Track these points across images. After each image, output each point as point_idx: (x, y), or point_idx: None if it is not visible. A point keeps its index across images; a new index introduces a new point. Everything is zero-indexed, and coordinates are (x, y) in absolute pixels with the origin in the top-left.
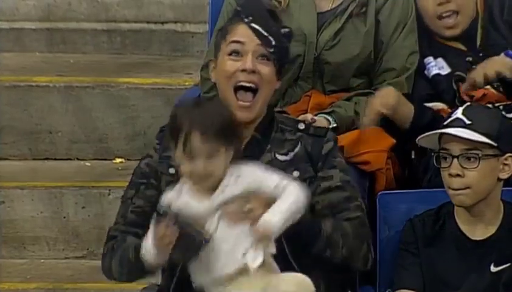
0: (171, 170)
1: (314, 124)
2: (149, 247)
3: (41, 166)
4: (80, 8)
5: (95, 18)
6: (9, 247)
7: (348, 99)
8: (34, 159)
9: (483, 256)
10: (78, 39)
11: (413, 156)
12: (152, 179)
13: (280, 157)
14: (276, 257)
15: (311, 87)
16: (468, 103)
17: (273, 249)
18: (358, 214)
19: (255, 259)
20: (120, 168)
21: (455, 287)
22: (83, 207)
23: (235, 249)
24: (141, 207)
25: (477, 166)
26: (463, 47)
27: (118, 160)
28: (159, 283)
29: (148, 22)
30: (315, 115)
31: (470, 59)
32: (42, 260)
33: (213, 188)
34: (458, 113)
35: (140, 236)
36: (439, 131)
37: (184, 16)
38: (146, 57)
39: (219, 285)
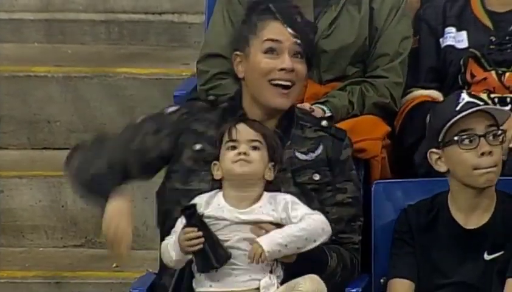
0: (197, 146)
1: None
2: (171, 245)
3: (40, 156)
4: None
5: (93, 9)
6: (8, 236)
7: (342, 88)
8: (33, 149)
9: (476, 244)
10: (76, 30)
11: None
12: (176, 133)
13: (300, 156)
14: None
15: (308, 77)
16: (464, 91)
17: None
18: (356, 240)
19: (268, 288)
20: None
21: (449, 275)
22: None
23: (251, 271)
24: (148, 151)
25: (500, 142)
26: (491, 26)
27: None
28: (156, 272)
29: (145, 13)
30: (311, 105)
31: (494, 39)
32: (40, 249)
33: (247, 203)
34: (466, 98)
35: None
36: (477, 108)
37: (181, 7)
38: (143, 47)
39: None
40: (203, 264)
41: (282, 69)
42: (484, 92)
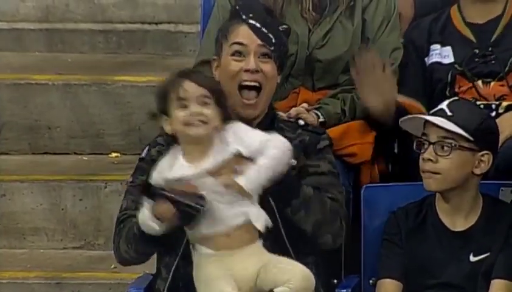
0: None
1: (305, 116)
2: (148, 219)
3: (40, 161)
4: (78, 10)
5: (91, 19)
6: (10, 238)
7: (334, 95)
8: (33, 154)
9: (462, 246)
10: (75, 39)
11: (396, 150)
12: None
13: None
14: (272, 241)
15: (301, 84)
16: (456, 98)
17: (270, 224)
18: (339, 197)
19: (258, 218)
20: (115, 162)
21: (436, 276)
22: (81, 200)
23: (234, 207)
24: None
25: (449, 154)
26: (473, 39)
27: (114, 154)
28: (153, 273)
29: (142, 23)
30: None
31: (477, 51)
32: (41, 250)
33: (205, 153)
34: (444, 104)
35: None
36: (420, 116)
37: (177, 16)
38: (141, 56)
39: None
40: (187, 222)
41: (247, 70)
42: (471, 100)
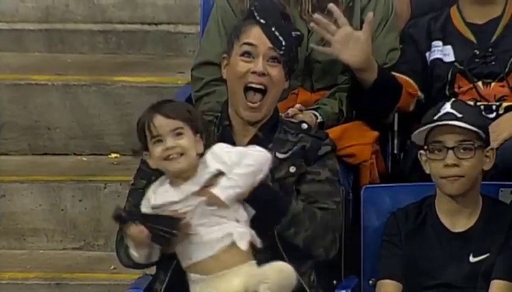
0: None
1: (301, 117)
2: (130, 249)
3: (40, 161)
4: (77, 10)
5: (91, 19)
6: (9, 239)
7: (331, 95)
8: (33, 154)
9: (462, 247)
10: (75, 40)
11: (395, 151)
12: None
13: (279, 155)
14: (268, 250)
15: (300, 85)
16: (453, 99)
17: (258, 244)
18: (333, 206)
19: (241, 237)
20: (115, 162)
21: (436, 277)
22: (80, 200)
23: (220, 229)
24: None
25: (473, 156)
26: (474, 39)
27: (113, 155)
28: (153, 274)
29: (142, 23)
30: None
31: (477, 52)
32: (41, 251)
33: (188, 178)
34: (447, 107)
35: None
36: (438, 123)
37: (177, 17)
38: (140, 57)
39: (203, 268)
40: (162, 243)
41: (254, 72)
42: (471, 101)
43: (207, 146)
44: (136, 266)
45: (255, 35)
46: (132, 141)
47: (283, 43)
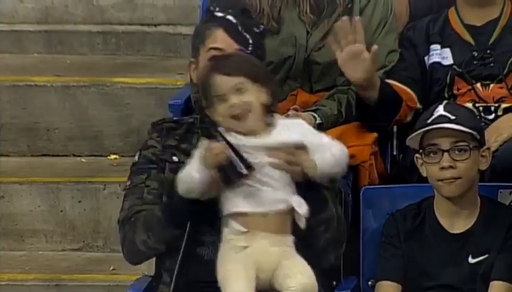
0: (175, 158)
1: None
2: (193, 166)
3: (39, 162)
4: (77, 11)
5: (90, 20)
6: (9, 240)
7: (330, 96)
8: (32, 155)
9: (461, 248)
10: (74, 41)
11: (394, 152)
12: (161, 165)
13: None
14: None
15: (299, 86)
16: (446, 101)
17: (302, 224)
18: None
19: (300, 205)
20: (114, 164)
21: (435, 278)
22: (79, 201)
23: (278, 192)
24: (157, 189)
25: (468, 157)
26: (472, 41)
27: (112, 156)
28: (151, 275)
29: (141, 25)
30: (303, 112)
31: (476, 54)
32: (40, 252)
33: (262, 132)
34: (440, 110)
35: None
36: (433, 127)
37: (176, 18)
38: (139, 58)
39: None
40: (229, 176)
41: None
42: (470, 102)
43: (273, 95)
44: (153, 249)
45: (220, 38)
46: (131, 142)
47: (250, 41)
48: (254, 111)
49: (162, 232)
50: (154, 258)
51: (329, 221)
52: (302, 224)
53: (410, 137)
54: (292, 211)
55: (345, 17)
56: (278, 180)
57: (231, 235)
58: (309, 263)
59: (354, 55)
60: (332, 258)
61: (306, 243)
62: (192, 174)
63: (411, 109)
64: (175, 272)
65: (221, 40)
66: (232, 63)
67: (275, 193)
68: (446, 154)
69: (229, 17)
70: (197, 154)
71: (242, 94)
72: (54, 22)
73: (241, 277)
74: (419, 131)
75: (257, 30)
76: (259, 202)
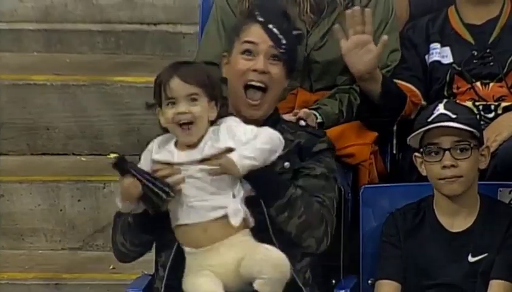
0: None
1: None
2: (118, 200)
3: (39, 161)
4: (76, 10)
5: (90, 19)
6: (8, 239)
7: (331, 96)
8: (32, 154)
9: (461, 247)
10: (74, 40)
11: (394, 151)
12: None
13: None
14: (258, 232)
15: (299, 85)
16: (446, 100)
17: (251, 223)
18: (328, 202)
19: (235, 214)
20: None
21: (435, 277)
22: (79, 200)
23: (215, 200)
24: None
25: (469, 156)
26: (471, 40)
27: (112, 155)
28: (151, 273)
29: (141, 24)
30: None
31: (475, 53)
32: (40, 251)
33: (196, 143)
34: (441, 109)
35: None
36: (435, 125)
37: (176, 17)
38: (139, 57)
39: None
40: (149, 204)
41: (255, 70)
42: (470, 101)
43: (220, 114)
44: (132, 251)
45: (256, 33)
46: (131, 141)
47: (284, 41)
48: (199, 124)
49: (133, 236)
50: (154, 257)
51: (291, 206)
52: (251, 223)
53: (411, 135)
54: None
55: (356, 7)
56: (215, 186)
57: (187, 256)
58: (289, 252)
59: (360, 45)
60: (313, 243)
61: (277, 233)
62: (119, 205)
63: (416, 106)
64: (167, 266)
65: (256, 34)
66: (194, 72)
67: (213, 201)
68: (447, 152)
69: (265, 21)
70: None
71: (194, 105)
72: (54, 21)
73: (208, 281)
74: (421, 130)
75: (295, 33)
76: (199, 213)
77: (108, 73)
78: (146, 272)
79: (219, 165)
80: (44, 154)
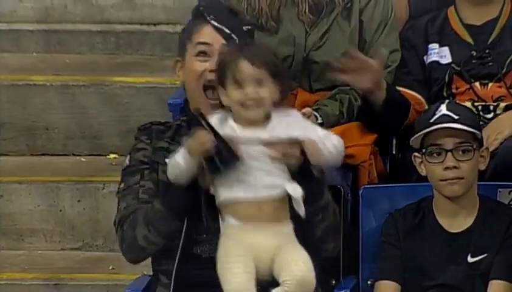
0: (167, 160)
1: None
2: (180, 153)
3: (38, 162)
4: (76, 11)
5: (90, 20)
6: (8, 239)
7: (332, 96)
8: (31, 155)
9: (460, 247)
10: (73, 40)
11: (394, 152)
12: (153, 166)
13: None
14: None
15: (298, 85)
16: (448, 101)
17: (302, 212)
18: (337, 211)
19: (295, 189)
20: (113, 163)
21: (434, 277)
22: (79, 201)
23: (273, 178)
24: (152, 189)
25: (472, 158)
26: (471, 41)
27: (112, 155)
28: (151, 274)
29: (141, 24)
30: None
31: (474, 53)
32: (39, 252)
33: (259, 124)
34: (443, 109)
35: None
36: (437, 126)
37: (175, 18)
38: (139, 57)
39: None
40: (215, 166)
41: (212, 70)
42: (469, 101)
43: (284, 93)
44: (154, 243)
45: (208, 34)
46: (130, 141)
47: (236, 40)
48: (264, 105)
49: (162, 224)
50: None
51: (325, 210)
52: (302, 212)
53: (414, 136)
54: (288, 199)
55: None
56: (273, 167)
57: (228, 228)
58: (308, 253)
59: (359, 65)
60: (330, 248)
61: (305, 233)
62: (177, 161)
63: (419, 113)
64: (173, 273)
65: (208, 35)
66: (260, 54)
67: (270, 178)
68: (449, 154)
69: (214, 21)
70: (185, 142)
71: (260, 87)
72: (53, 22)
73: (240, 270)
74: (425, 131)
75: (245, 29)
76: (253, 188)
77: (108, 74)
78: (145, 273)
79: (292, 153)
80: (43, 154)
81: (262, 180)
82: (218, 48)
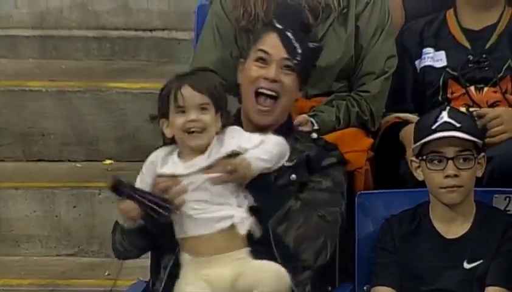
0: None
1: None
2: (120, 217)
3: (34, 168)
4: (72, 16)
5: (86, 26)
6: (4, 245)
7: (329, 103)
8: (27, 161)
9: (456, 253)
10: (69, 46)
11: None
12: None
13: (285, 163)
14: (261, 244)
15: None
16: (449, 108)
17: (256, 233)
18: (330, 217)
19: (242, 222)
20: (109, 169)
21: (431, 283)
22: (74, 207)
23: (221, 210)
24: None
25: (472, 166)
26: (468, 45)
27: (108, 161)
28: (147, 280)
29: (136, 30)
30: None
31: (471, 57)
32: (35, 257)
33: (201, 153)
34: (445, 117)
35: None
36: (441, 135)
37: (171, 23)
38: (135, 63)
39: (196, 245)
40: (150, 222)
41: (266, 78)
42: (464, 106)
43: (224, 126)
44: (129, 251)
45: (271, 42)
46: (126, 147)
47: (299, 51)
48: (207, 132)
49: (132, 240)
50: (149, 263)
51: (289, 218)
52: (256, 234)
53: (416, 144)
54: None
55: None
56: (220, 196)
57: (184, 262)
58: (290, 264)
59: None
60: (310, 256)
61: (277, 245)
62: (120, 222)
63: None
64: (167, 271)
65: (271, 44)
66: (204, 82)
67: (219, 209)
68: (450, 162)
69: (288, 33)
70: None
71: (203, 113)
72: (49, 27)
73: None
74: (428, 138)
75: (311, 46)
76: (202, 224)
77: (103, 80)
78: (141, 279)
79: (230, 168)
80: (39, 160)
81: (211, 213)
82: (278, 59)
